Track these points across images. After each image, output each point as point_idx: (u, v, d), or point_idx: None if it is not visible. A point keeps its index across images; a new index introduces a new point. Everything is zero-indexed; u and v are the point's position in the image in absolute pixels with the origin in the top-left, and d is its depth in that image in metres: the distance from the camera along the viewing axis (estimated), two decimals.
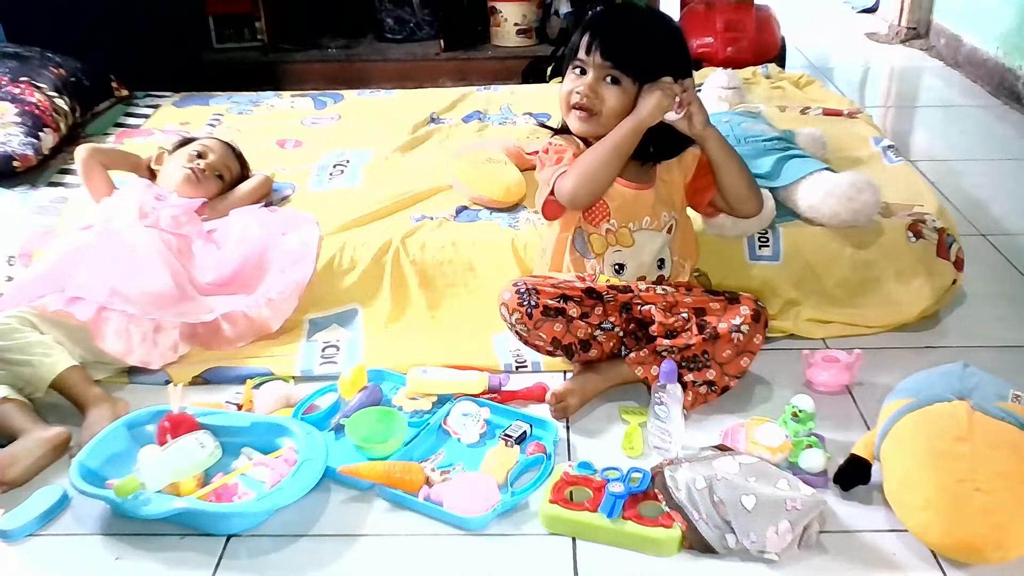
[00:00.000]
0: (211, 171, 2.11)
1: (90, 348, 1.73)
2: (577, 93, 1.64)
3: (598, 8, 1.70)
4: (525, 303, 1.63)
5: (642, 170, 1.71)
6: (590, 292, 1.66)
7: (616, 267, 1.72)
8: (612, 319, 1.68)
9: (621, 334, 1.70)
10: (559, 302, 1.64)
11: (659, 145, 1.69)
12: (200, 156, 2.12)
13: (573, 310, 1.64)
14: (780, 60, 3.62)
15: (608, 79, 1.62)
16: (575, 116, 1.66)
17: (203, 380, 1.78)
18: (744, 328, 1.64)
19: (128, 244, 1.87)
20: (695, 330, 1.64)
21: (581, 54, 1.63)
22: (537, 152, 2.27)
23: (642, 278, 1.73)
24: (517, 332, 1.67)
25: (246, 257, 1.95)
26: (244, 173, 2.23)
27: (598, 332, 1.67)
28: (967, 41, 3.96)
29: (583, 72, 1.64)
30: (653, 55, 1.62)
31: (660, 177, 1.73)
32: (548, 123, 1.87)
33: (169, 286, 1.82)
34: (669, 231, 1.74)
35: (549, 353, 1.70)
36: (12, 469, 1.48)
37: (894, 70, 4.17)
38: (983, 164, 2.94)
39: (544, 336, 1.65)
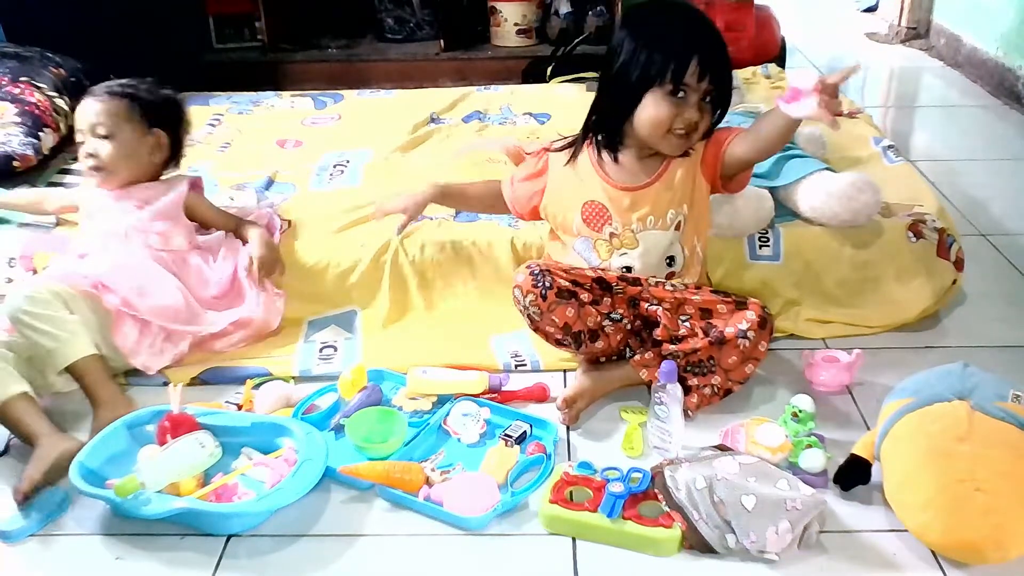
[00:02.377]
0: (96, 158, 1.85)
1: (106, 338, 1.73)
2: (683, 120, 1.57)
3: (688, 22, 1.59)
4: (540, 284, 1.62)
5: (643, 169, 1.68)
6: (600, 281, 1.66)
7: (623, 270, 1.71)
8: (620, 311, 1.68)
9: (629, 327, 1.69)
10: (572, 286, 1.64)
11: None
12: (89, 156, 1.86)
13: (584, 296, 1.64)
14: (780, 60, 3.62)
15: (705, 99, 1.58)
16: (674, 141, 1.61)
17: (201, 381, 1.78)
18: (750, 334, 1.62)
19: (138, 267, 1.82)
20: (701, 334, 1.63)
21: (690, 80, 1.54)
22: None
23: (651, 277, 1.71)
24: (530, 315, 1.65)
25: (237, 265, 1.93)
26: (164, 117, 1.93)
27: (607, 323, 1.67)
28: (967, 41, 3.96)
29: (680, 94, 1.56)
30: (731, 69, 1.62)
31: (670, 171, 1.68)
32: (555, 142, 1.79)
33: (180, 302, 1.81)
34: (678, 228, 1.71)
35: (557, 342, 1.68)
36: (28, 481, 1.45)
37: (894, 70, 4.17)
38: (983, 164, 2.94)
39: (557, 320, 1.63)
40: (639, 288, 1.67)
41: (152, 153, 1.91)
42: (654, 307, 1.67)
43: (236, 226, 1.98)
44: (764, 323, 1.64)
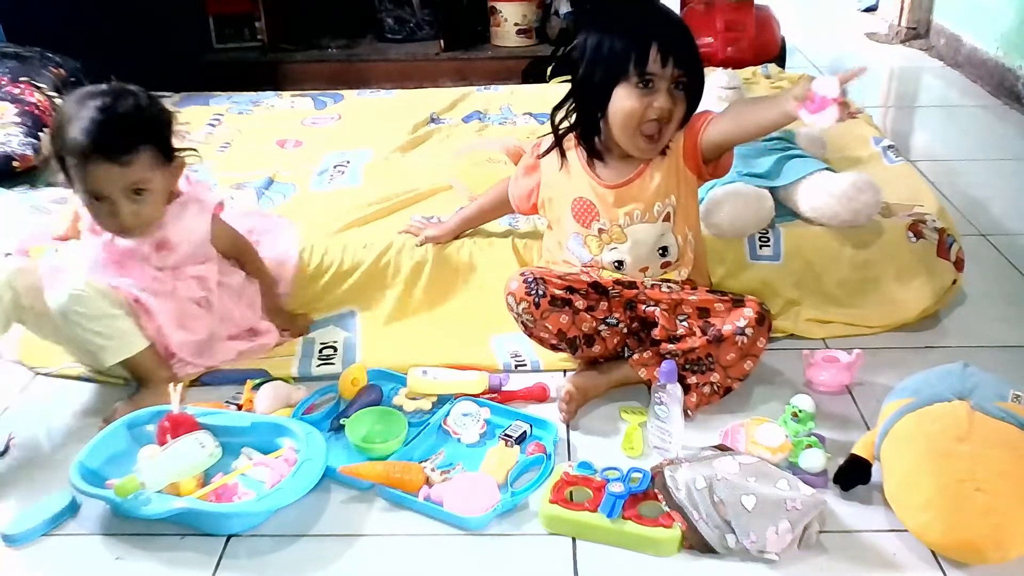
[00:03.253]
0: (132, 219, 1.64)
1: None
2: (655, 109, 1.54)
3: (643, 12, 1.60)
4: (533, 292, 1.62)
5: (625, 165, 1.67)
6: (596, 286, 1.66)
7: (615, 264, 1.71)
8: (617, 315, 1.68)
9: (625, 331, 1.69)
10: (566, 293, 1.63)
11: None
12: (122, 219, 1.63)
13: (579, 302, 1.64)
14: (780, 60, 3.62)
15: (677, 87, 1.55)
16: (643, 142, 1.58)
17: (201, 382, 1.78)
18: (748, 331, 1.62)
19: (173, 296, 1.75)
20: (699, 332, 1.63)
21: (653, 67, 1.52)
22: None
23: (644, 269, 1.71)
24: (523, 323, 1.66)
25: (253, 307, 1.87)
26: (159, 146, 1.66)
27: (602, 327, 1.67)
28: (967, 41, 3.96)
29: (649, 85, 1.54)
30: (697, 51, 1.60)
31: (651, 166, 1.66)
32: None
33: (206, 337, 1.78)
34: (667, 219, 1.70)
35: (553, 347, 1.69)
36: None
37: (894, 70, 4.17)
38: (983, 164, 2.94)
39: (550, 327, 1.64)
40: (635, 291, 1.67)
41: (174, 182, 1.71)
42: (651, 308, 1.67)
43: (241, 260, 1.84)
44: (762, 319, 1.64)
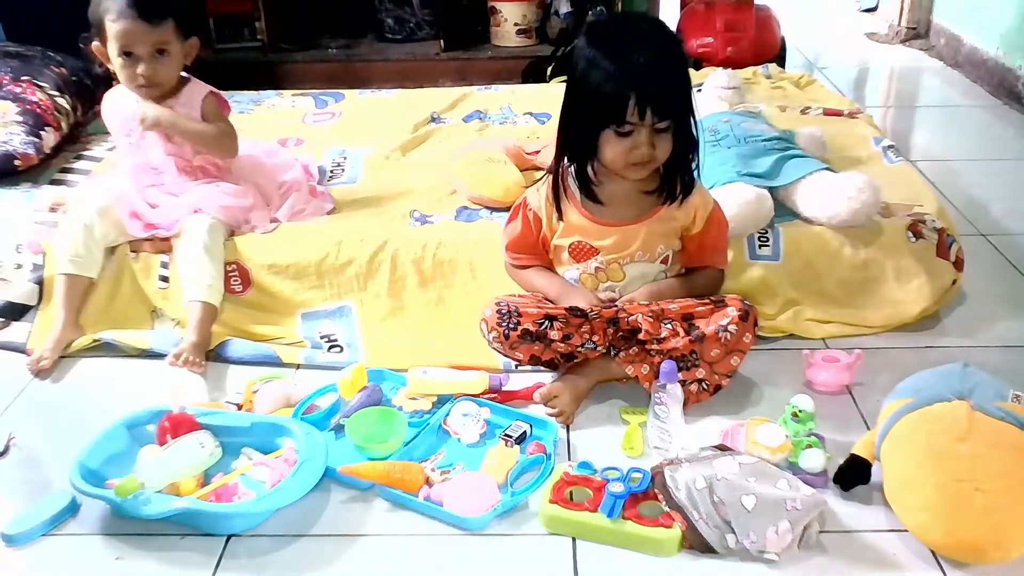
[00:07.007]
0: (151, 77, 1.94)
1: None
2: (635, 155, 1.55)
3: (625, 57, 1.50)
4: (504, 324, 1.64)
5: (638, 204, 1.68)
6: (574, 309, 1.66)
7: (609, 297, 1.72)
8: (596, 338, 1.67)
9: (604, 351, 1.69)
10: (541, 325, 1.64)
11: (672, 185, 1.65)
12: (143, 76, 1.93)
13: (555, 333, 1.64)
14: (780, 60, 3.62)
15: (659, 130, 1.54)
16: (633, 170, 1.59)
17: (216, 355, 1.84)
18: (731, 328, 1.62)
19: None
20: (682, 334, 1.63)
21: (632, 118, 1.51)
22: (538, 152, 2.31)
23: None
24: (494, 348, 1.70)
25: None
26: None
27: (581, 349, 1.68)
28: (967, 41, 3.95)
29: (628, 134, 1.53)
30: (686, 90, 1.56)
31: (667, 212, 1.67)
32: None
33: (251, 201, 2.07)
34: (665, 261, 1.72)
35: (531, 364, 1.72)
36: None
37: (894, 70, 4.17)
38: (983, 164, 2.94)
39: (521, 355, 1.68)
40: (615, 309, 1.67)
41: (187, 57, 1.99)
42: (634, 317, 1.65)
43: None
44: (746, 316, 1.65)
